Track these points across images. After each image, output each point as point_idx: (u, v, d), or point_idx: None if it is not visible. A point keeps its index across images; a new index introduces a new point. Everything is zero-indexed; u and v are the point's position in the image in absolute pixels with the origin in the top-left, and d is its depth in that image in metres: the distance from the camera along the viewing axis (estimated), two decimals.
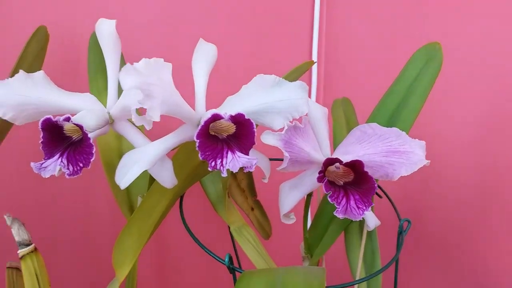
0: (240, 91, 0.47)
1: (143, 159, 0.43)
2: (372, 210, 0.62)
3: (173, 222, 0.72)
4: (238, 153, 0.41)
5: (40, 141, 0.43)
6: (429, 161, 0.51)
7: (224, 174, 0.40)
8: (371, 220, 0.55)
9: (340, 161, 0.48)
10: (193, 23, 0.82)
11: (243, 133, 0.42)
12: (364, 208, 0.47)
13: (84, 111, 0.44)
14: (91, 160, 0.42)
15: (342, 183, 0.49)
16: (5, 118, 0.44)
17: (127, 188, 0.62)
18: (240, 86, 0.48)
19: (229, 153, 0.41)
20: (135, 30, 0.81)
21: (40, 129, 0.42)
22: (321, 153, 0.53)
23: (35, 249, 0.47)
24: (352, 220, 0.59)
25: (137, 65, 0.38)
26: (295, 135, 0.49)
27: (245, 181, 0.72)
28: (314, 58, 0.91)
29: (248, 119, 0.42)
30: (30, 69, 0.54)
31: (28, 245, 0.46)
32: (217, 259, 0.46)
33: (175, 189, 0.51)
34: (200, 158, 0.40)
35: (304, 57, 0.92)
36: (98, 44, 0.71)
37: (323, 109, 0.55)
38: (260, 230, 0.77)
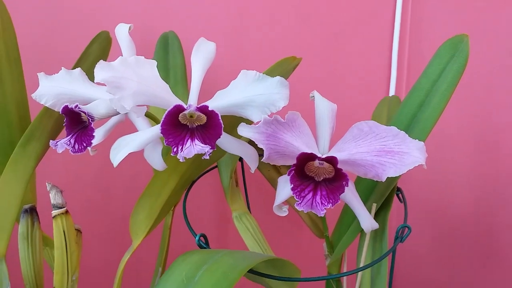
0: (229, 85, 0.51)
1: (132, 143, 0.50)
2: (385, 215, 0.59)
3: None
4: (196, 141, 0.45)
5: (63, 124, 0.53)
6: (424, 164, 0.47)
7: (181, 160, 0.44)
8: (366, 221, 0.53)
9: (316, 157, 0.48)
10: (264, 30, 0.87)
11: (210, 124, 0.46)
12: (326, 204, 0.46)
13: (97, 100, 0.53)
14: (92, 141, 0.50)
15: (321, 179, 0.49)
16: (47, 104, 0.56)
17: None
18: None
19: (188, 141, 0.45)
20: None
21: (62, 114, 0.53)
22: (316, 149, 0.53)
23: (66, 212, 0.58)
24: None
25: (112, 62, 0.45)
26: (282, 129, 0.51)
27: None
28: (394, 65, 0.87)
29: (212, 110, 0.46)
30: (90, 69, 0.66)
31: (60, 207, 0.58)
32: (193, 235, 0.51)
33: (181, 172, 0.58)
34: (164, 144, 0.45)
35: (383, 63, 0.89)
36: (164, 47, 0.82)
37: (331, 105, 0.55)
38: (313, 228, 0.78)
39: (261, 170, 0.72)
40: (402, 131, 0.49)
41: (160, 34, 0.82)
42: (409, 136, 0.56)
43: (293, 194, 0.46)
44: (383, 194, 0.58)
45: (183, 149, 0.45)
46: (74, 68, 0.63)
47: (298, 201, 0.46)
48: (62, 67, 0.57)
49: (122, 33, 0.55)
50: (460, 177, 0.87)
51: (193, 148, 0.45)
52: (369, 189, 0.60)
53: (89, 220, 0.90)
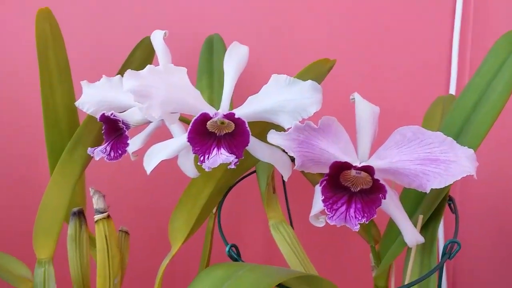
0: (260, 90, 0.49)
1: (164, 151, 0.50)
2: (434, 227, 0.54)
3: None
4: (222, 150, 0.43)
5: (102, 131, 0.54)
6: (474, 174, 0.42)
7: (207, 169, 0.43)
8: (411, 235, 0.48)
9: (351, 166, 0.45)
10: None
11: (237, 131, 0.45)
12: (360, 218, 0.42)
13: (133, 108, 0.54)
14: (126, 148, 0.51)
15: (358, 189, 0.46)
16: (89, 112, 0.58)
17: None
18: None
19: (214, 150, 0.44)
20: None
21: (100, 122, 0.54)
22: (355, 156, 0.50)
23: (108, 216, 0.59)
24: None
25: (141, 71, 0.45)
26: (316, 135, 0.48)
27: None
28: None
29: (239, 118, 0.44)
30: None
31: (102, 212, 0.59)
32: (225, 244, 0.49)
33: (217, 178, 0.57)
34: (192, 153, 0.45)
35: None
36: (208, 50, 0.82)
37: (373, 108, 0.51)
38: (364, 234, 0.74)
39: (306, 174, 0.70)
40: (449, 137, 0.44)
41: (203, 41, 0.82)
42: (462, 140, 0.51)
43: (324, 206, 0.44)
44: (432, 205, 0.53)
45: (209, 158, 0.43)
46: (117, 75, 0.65)
47: (329, 214, 0.43)
48: (103, 75, 0.59)
49: (157, 39, 0.56)
50: None
51: (219, 157, 0.43)
52: (417, 199, 0.55)
53: (138, 221, 0.92)
